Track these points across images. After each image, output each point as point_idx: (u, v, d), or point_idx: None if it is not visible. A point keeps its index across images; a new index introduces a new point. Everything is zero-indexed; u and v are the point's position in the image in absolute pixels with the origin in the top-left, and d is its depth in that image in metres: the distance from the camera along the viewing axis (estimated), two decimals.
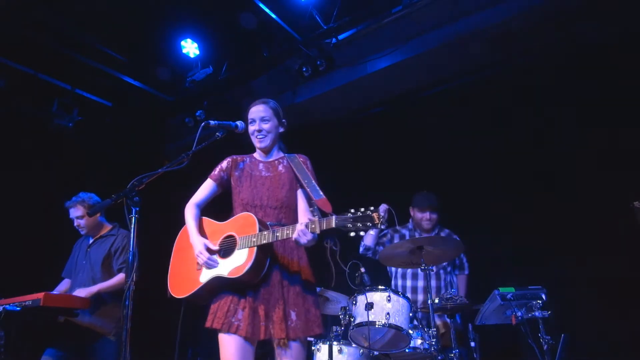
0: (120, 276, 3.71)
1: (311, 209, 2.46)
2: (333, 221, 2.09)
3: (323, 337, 3.54)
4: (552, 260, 4.21)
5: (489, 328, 3.64)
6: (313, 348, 3.48)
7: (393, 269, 4.17)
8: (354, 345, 3.35)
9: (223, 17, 5.13)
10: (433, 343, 3.17)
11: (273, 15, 4.86)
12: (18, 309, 3.24)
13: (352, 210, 2.03)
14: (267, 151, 2.66)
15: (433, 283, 3.95)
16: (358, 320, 3.23)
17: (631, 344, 3.74)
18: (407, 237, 4.12)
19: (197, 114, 5.89)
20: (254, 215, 2.38)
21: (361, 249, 4.10)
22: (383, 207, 3.99)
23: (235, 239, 2.39)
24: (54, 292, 3.76)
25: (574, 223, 4.17)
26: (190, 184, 2.79)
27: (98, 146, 6.17)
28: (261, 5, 4.75)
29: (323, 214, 2.21)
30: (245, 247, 2.32)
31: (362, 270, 3.26)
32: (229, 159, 2.70)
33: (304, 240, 2.19)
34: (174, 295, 2.51)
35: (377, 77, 5.23)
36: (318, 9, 4.93)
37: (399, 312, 3.21)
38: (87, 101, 5.91)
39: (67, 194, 3.93)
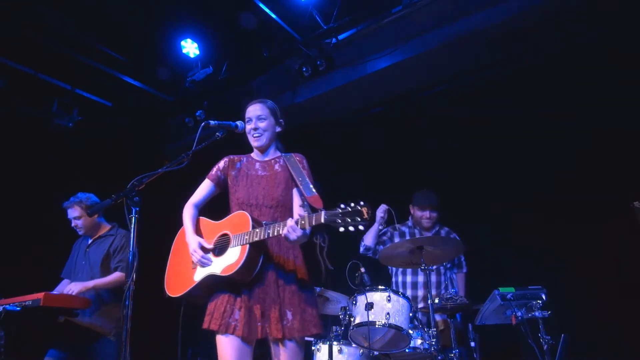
0: (116, 274, 3.71)
1: (301, 204, 2.45)
2: (322, 216, 2.07)
3: (323, 337, 3.54)
4: (552, 260, 4.21)
5: (489, 328, 3.63)
6: (313, 348, 3.48)
7: None
8: (354, 345, 3.35)
9: (223, 17, 5.13)
10: (433, 343, 3.17)
11: (273, 15, 4.86)
12: (18, 309, 3.24)
13: (342, 206, 2.01)
14: (263, 150, 2.66)
15: (433, 278, 3.95)
16: (358, 320, 3.23)
17: (631, 344, 3.74)
18: (407, 235, 4.13)
19: (197, 114, 5.89)
20: (247, 214, 2.38)
21: (361, 249, 4.10)
22: (382, 208, 4.02)
23: (229, 237, 2.40)
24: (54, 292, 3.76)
25: (574, 223, 4.17)
26: (190, 184, 2.79)
27: (98, 146, 6.18)
28: (261, 5, 4.76)
29: (314, 211, 2.20)
30: (238, 245, 2.32)
31: (362, 270, 3.27)
32: (225, 159, 2.70)
33: (293, 236, 2.18)
34: (169, 295, 2.52)
35: (377, 77, 5.23)
36: (318, 9, 4.93)
37: (399, 312, 3.21)
38: (87, 101, 5.92)
39: (66, 194, 3.93)
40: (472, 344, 3.45)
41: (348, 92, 5.53)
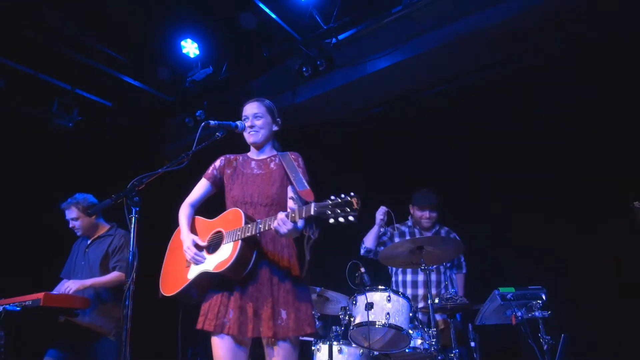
0: (114, 274, 3.70)
1: (290, 196, 2.43)
2: (312, 208, 2.05)
3: (322, 336, 3.54)
4: (552, 260, 4.21)
5: (489, 328, 3.63)
6: (313, 348, 3.48)
7: None
8: (354, 345, 3.35)
9: (223, 17, 5.13)
10: (433, 343, 3.17)
11: (273, 15, 4.86)
12: (18, 309, 3.24)
13: (332, 197, 1.99)
14: (258, 147, 2.66)
15: (433, 277, 3.94)
16: (358, 320, 3.23)
17: (631, 344, 3.74)
18: (407, 235, 4.13)
19: (197, 114, 5.89)
20: (240, 210, 2.37)
21: (362, 251, 4.09)
22: (382, 210, 4.01)
23: (222, 234, 2.40)
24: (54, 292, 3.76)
25: (574, 223, 4.17)
26: (190, 184, 2.79)
27: (98, 146, 6.17)
28: (261, 5, 4.76)
29: (306, 205, 2.18)
30: (230, 241, 2.31)
31: (362, 270, 3.27)
32: (222, 158, 2.70)
33: (283, 229, 2.16)
34: (163, 294, 2.51)
35: (377, 77, 5.23)
36: (318, 9, 4.93)
37: (399, 312, 3.21)
38: (87, 101, 5.92)
39: (66, 194, 3.93)
40: (472, 344, 3.45)
41: (348, 92, 5.52)
